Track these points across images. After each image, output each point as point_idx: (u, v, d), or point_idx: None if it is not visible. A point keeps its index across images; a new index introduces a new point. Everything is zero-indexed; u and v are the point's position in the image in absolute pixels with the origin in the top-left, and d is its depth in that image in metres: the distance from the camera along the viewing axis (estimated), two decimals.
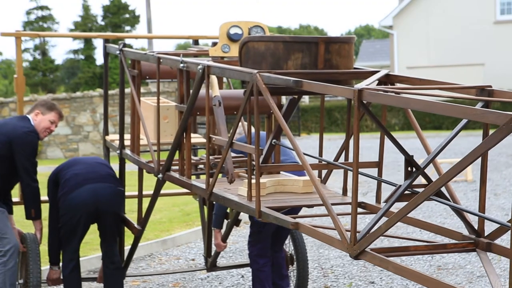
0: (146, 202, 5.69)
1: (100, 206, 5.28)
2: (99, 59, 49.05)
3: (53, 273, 5.63)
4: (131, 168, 6.32)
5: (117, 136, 6.21)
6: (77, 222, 5.26)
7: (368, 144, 20.35)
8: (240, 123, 4.61)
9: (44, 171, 8.96)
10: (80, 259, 7.23)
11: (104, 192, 5.31)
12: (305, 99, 30.27)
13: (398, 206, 3.01)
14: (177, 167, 4.85)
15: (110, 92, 18.30)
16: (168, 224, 9.35)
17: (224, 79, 6.19)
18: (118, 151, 5.99)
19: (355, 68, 3.97)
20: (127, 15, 50.15)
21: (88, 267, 7.15)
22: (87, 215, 5.28)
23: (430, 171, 10.81)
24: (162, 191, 5.52)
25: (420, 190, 3.25)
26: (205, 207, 6.31)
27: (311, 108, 28.19)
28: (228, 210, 5.76)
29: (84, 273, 6.91)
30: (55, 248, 5.52)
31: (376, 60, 43.60)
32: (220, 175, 4.76)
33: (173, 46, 72.22)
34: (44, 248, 7.18)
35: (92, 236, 6.54)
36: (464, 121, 3.10)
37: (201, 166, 5.23)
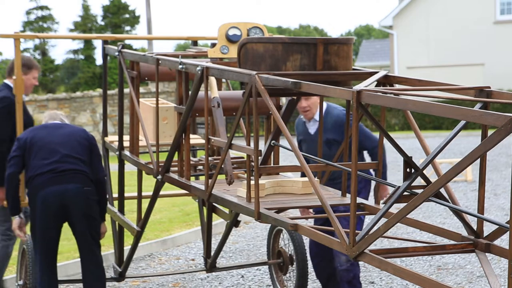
0: (145, 203, 5.69)
1: (67, 209, 5.01)
2: (99, 59, 49.09)
3: (15, 222, 5.27)
4: (130, 168, 6.31)
5: (116, 137, 6.21)
6: (46, 228, 5.02)
7: None
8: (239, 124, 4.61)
9: None
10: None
11: (70, 194, 5.01)
12: None
13: (398, 207, 3.01)
14: (176, 168, 4.84)
15: (109, 92, 18.29)
16: (168, 224, 9.35)
17: (223, 80, 6.19)
18: (117, 152, 5.99)
19: (353, 69, 3.97)
20: (127, 15, 50.15)
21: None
22: (54, 220, 5.01)
23: (429, 171, 10.80)
24: (161, 192, 5.51)
25: (419, 191, 3.25)
26: (204, 208, 6.30)
27: None
28: None
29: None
30: (10, 195, 5.15)
31: (376, 60, 43.59)
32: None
33: (172, 46, 72.31)
34: None
35: None
36: (463, 122, 3.10)
37: (201, 167, 5.22)
